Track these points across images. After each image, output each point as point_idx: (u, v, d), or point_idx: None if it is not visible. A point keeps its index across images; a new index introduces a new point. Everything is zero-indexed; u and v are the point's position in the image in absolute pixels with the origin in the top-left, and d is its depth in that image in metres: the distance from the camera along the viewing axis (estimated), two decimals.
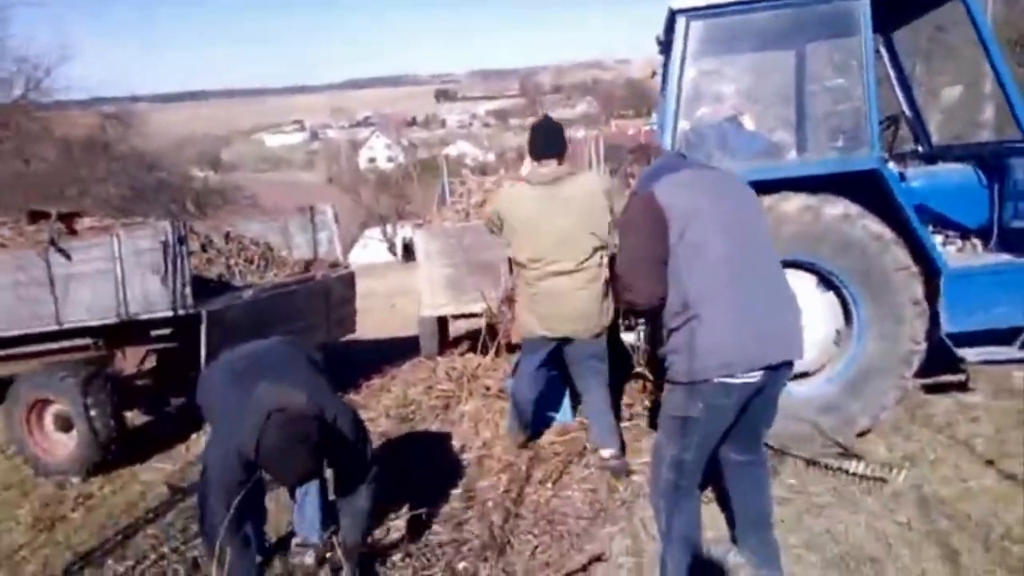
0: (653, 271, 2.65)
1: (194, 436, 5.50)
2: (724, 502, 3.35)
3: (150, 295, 4.97)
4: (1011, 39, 10.95)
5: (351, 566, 3.14)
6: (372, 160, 67.57)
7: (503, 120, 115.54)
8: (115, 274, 4.94)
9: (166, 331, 5.20)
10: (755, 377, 2.62)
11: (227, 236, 6.59)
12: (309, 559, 3.43)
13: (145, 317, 5.00)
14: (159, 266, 4.93)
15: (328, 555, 3.39)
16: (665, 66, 4.75)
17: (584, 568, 3.27)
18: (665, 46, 4.66)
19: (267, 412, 2.68)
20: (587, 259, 3.89)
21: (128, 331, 5.16)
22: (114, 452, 5.01)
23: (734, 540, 3.16)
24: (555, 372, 4.64)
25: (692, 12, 4.17)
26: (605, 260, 3.95)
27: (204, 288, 5.51)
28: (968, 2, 4.03)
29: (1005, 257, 4.29)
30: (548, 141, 4.00)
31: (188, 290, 4.98)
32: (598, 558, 3.33)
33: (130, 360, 5.39)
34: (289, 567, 3.46)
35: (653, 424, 4.74)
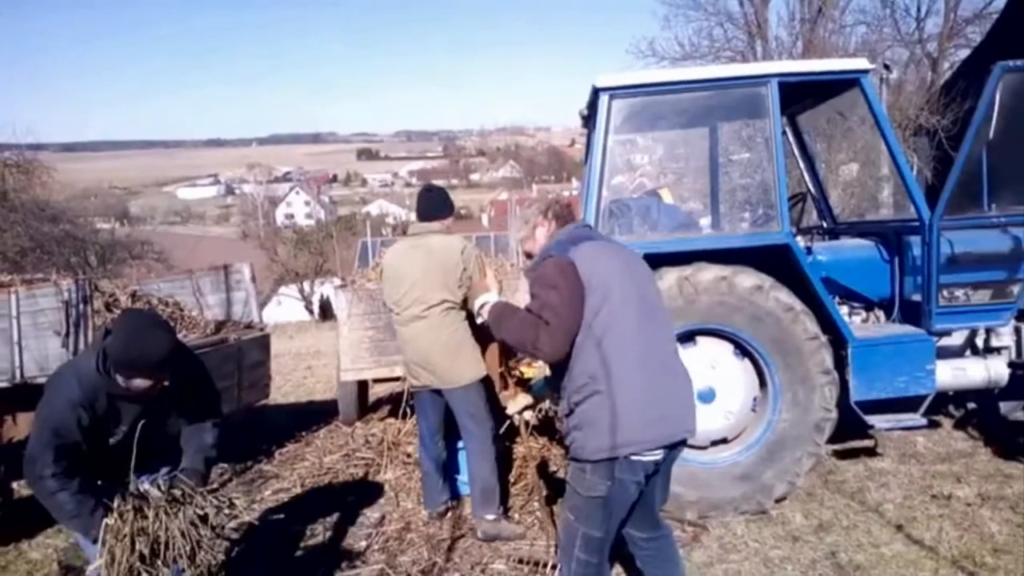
0: (570, 326, 2.60)
1: None
2: None
3: (49, 357, 4.64)
4: (901, 124, 11.86)
5: (191, 487, 2.81)
6: (290, 216, 66.62)
7: (426, 180, 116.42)
8: (11, 334, 4.62)
9: None
10: (659, 455, 2.64)
11: (134, 295, 6.26)
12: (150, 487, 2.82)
13: (42, 380, 4.66)
14: (60, 326, 4.64)
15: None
16: (588, 139, 4.91)
17: None
18: (588, 120, 4.82)
19: (105, 329, 2.61)
20: (433, 307, 4.15)
21: (22, 395, 4.80)
22: None
23: None
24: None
25: (615, 91, 4.34)
26: (456, 316, 4.21)
27: None
28: (867, 92, 4.34)
29: (907, 329, 4.54)
30: (428, 206, 4.41)
31: None
32: None
33: (22, 426, 4.99)
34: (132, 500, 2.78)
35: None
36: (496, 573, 3.85)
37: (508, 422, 3.92)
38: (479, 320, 3.03)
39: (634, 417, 2.57)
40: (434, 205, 4.44)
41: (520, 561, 3.91)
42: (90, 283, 5.04)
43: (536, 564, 3.83)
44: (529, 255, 3.03)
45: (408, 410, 5.67)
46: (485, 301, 2.95)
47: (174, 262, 26.58)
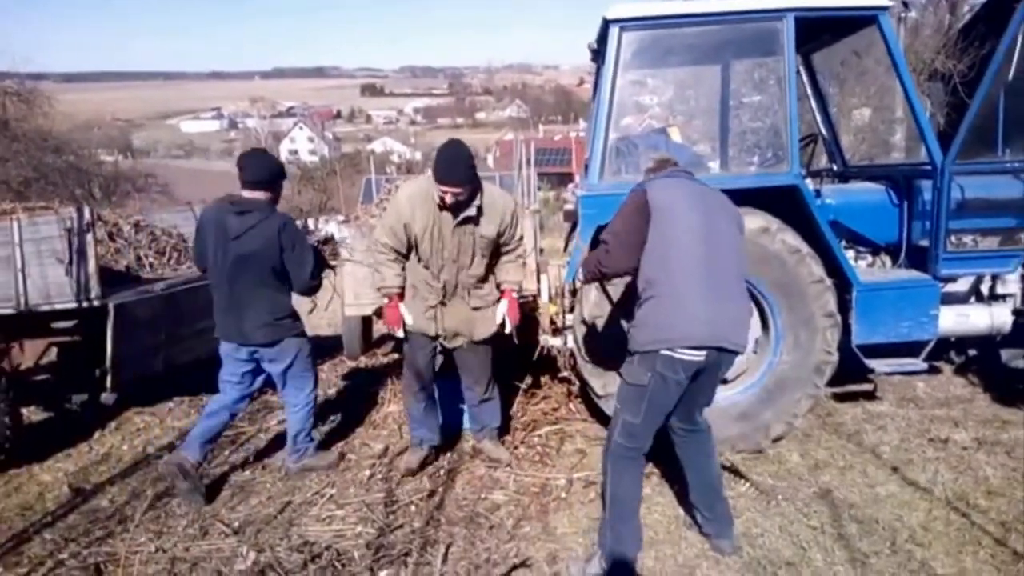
0: (627, 248, 3.11)
1: (97, 434, 5.21)
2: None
3: (52, 285, 4.66)
4: (916, 68, 11.58)
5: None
6: (294, 152, 65.98)
7: (431, 118, 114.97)
8: (14, 262, 4.62)
9: (69, 324, 4.89)
10: (699, 356, 2.96)
11: (137, 225, 6.25)
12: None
13: (46, 308, 4.69)
14: (63, 255, 4.63)
15: None
16: (597, 74, 4.80)
17: (508, 574, 3.25)
18: (598, 55, 4.71)
19: None
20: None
21: (27, 323, 4.83)
22: (10, 451, 4.69)
23: (689, 509, 3.55)
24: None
25: (625, 23, 4.22)
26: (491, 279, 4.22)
27: (111, 280, 5.22)
28: (885, 30, 4.22)
29: (913, 274, 4.52)
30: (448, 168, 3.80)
31: (94, 281, 4.69)
32: (522, 564, 3.32)
33: (28, 354, 5.05)
34: None
35: (577, 429, 4.79)
36: (495, 502, 3.93)
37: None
38: (579, 284, 4.01)
39: (679, 320, 2.96)
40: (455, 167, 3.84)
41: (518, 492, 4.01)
42: (92, 212, 5.01)
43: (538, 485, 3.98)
44: None
45: None
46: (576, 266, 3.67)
47: (178, 195, 26.41)
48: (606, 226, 3.30)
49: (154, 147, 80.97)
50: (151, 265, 5.96)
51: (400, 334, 4.19)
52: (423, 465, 4.36)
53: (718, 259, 3.05)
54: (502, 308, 4.17)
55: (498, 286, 4.22)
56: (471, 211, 3.89)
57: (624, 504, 3.13)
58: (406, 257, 4.10)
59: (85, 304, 4.70)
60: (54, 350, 5.28)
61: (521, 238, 4.21)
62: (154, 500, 4.10)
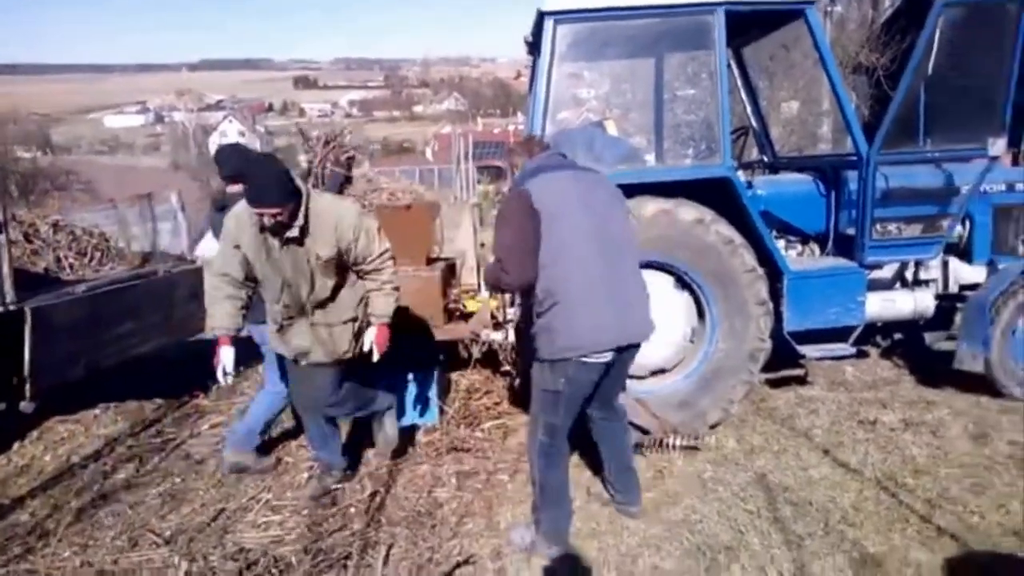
0: (525, 258, 2.99)
1: (17, 445, 4.94)
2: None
3: None
4: (842, 61, 11.93)
5: None
6: None
7: (367, 111, 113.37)
8: None
9: None
10: (607, 357, 3.08)
11: (55, 225, 5.96)
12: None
13: None
14: None
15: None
16: (533, 67, 4.78)
17: (451, 572, 3.22)
18: (533, 47, 4.69)
19: None
20: None
21: None
22: None
23: (603, 480, 3.75)
24: (414, 374, 4.76)
25: (560, 15, 4.22)
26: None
27: (28, 283, 4.95)
28: (812, 24, 4.32)
29: (840, 261, 4.66)
30: None
31: (8, 284, 4.44)
32: (465, 561, 3.29)
33: None
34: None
35: (520, 423, 4.78)
36: (437, 500, 3.89)
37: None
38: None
39: (584, 326, 3.00)
40: None
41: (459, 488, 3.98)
42: (6, 211, 4.75)
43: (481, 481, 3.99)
44: None
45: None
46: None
47: (102, 193, 25.41)
48: (494, 242, 3.13)
49: (76, 143, 77.57)
50: (71, 266, 5.69)
51: (222, 380, 3.76)
52: (328, 493, 4.00)
53: (612, 252, 3.10)
54: (369, 335, 3.74)
55: (368, 319, 3.78)
56: (293, 231, 3.44)
57: (555, 490, 3.29)
58: (251, 284, 3.70)
59: None
60: None
61: (384, 254, 3.64)
62: (78, 512, 3.91)
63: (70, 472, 4.50)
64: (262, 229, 3.46)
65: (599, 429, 3.54)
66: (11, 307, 4.47)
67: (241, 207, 3.50)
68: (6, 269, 4.46)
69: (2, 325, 4.57)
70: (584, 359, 3.04)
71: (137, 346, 5.22)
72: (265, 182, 3.31)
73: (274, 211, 3.33)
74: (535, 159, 3.25)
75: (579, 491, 3.75)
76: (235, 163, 4.11)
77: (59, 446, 4.94)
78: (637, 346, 3.24)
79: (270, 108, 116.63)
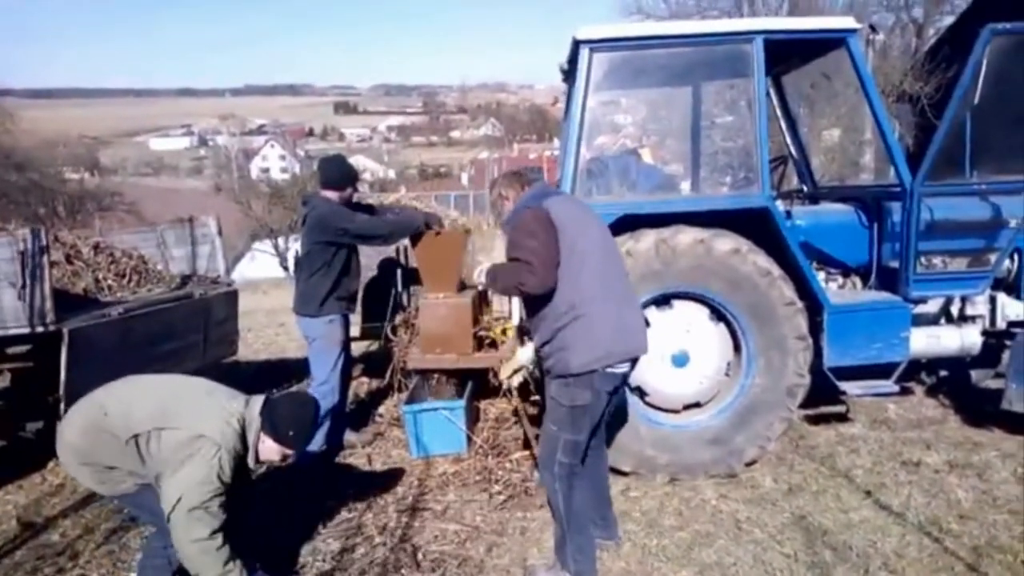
0: (550, 266, 3.04)
1: (51, 464, 5.00)
2: None
3: (5, 309, 4.48)
4: (884, 90, 11.78)
5: None
6: (265, 170, 65.31)
7: (405, 136, 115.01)
8: None
9: (22, 349, 4.71)
10: (626, 367, 3.17)
11: (96, 247, 6.07)
12: None
13: None
14: (15, 278, 4.47)
15: None
16: (568, 95, 4.77)
17: None
18: (568, 75, 4.68)
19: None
20: None
21: None
22: None
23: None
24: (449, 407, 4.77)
25: (595, 44, 4.20)
26: None
27: (67, 303, 5.03)
28: (853, 52, 4.24)
29: (883, 295, 4.52)
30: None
31: (48, 305, 4.53)
32: None
33: None
34: None
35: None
36: (467, 530, 3.82)
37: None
38: (480, 287, 3.47)
39: (608, 336, 3.06)
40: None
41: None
42: (48, 233, 4.85)
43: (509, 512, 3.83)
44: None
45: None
46: (480, 269, 3.38)
47: (145, 214, 26.04)
48: (514, 247, 3.14)
49: (122, 165, 79.78)
50: (110, 288, 5.77)
51: None
52: None
53: (616, 270, 3.24)
54: None
55: None
56: None
57: (580, 516, 3.24)
58: None
59: (39, 329, 4.53)
60: (7, 376, 5.07)
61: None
62: (108, 534, 3.93)
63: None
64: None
65: (588, 460, 3.40)
66: (50, 327, 4.55)
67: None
68: (47, 290, 4.55)
69: (41, 345, 4.65)
70: (609, 369, 3.08)
71: (172, 367, 5.25)
72: None
73: None
74: (531, 188, 3.31)
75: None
76: None
77: None
78: (637, 360, 3.29)
79: (311, 133, 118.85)
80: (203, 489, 2.79)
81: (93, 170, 49.02)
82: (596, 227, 3.24)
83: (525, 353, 3.74)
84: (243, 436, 2.94)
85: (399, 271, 5.73)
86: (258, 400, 3.02)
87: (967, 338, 4.65)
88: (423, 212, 5.14)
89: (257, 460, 3.02)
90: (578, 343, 3.04)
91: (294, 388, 6.61)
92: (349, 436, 5.04)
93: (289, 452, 3.05)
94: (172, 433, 2.85)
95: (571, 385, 3.10)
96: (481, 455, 4.73)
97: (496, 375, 4.66)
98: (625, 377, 3.23)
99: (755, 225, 4.20)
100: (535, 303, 3.17)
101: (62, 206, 25.99)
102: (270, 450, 3.00)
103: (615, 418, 4.15)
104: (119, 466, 2.93)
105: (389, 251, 5.78)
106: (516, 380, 3.98)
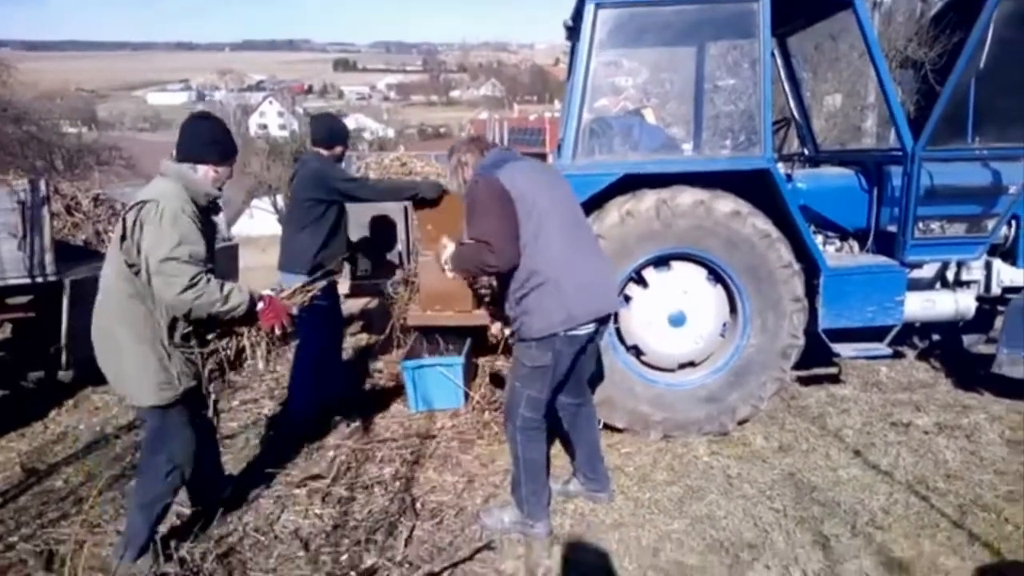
0: (510, 242, 3.05)
1: (53, 413, 5.08)
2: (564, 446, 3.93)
3: (5, 260, 4.52)
4: (888, 55, 11.66)
5: None
6: (264, 127, 64.73)
7: (404, 95, 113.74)
8: None
9: (23, 300, 4.75)
10: (591, 328, 3.20)
11: (96, 199, 6.08)
12: None
13: None
14: (16, 228, 4.49)
15: None
16: (572, 53, 4.73)
17: (471, 556, 3.23)
18: (573, 32, 4.64)
19: None
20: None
21: None
22: None
23: (574, 472, 3.75)
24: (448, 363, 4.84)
25: (601, 0, 4.15)
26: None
27: (68, 254, 5.07)
28: (860, 14, 4.20)
29: (880, 259, 4.55)
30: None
31: (49, 256, 4.56)
32: (487, 546, 3.30)
33: None
34: None
35: None
36: (464, 482, 3.90)
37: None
38: (449, 275, 3.42)
39: (569, 300, 3.09)
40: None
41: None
42: (48, 184, 4.85)
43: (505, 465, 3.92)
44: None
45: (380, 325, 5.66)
46: (445, 256, 3.36)
47: (143, 169, 25.81)
48: (473, 224, 3.12)
49: (119, 119, 79.02)
50: (110, 240, 5.79)
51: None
52: None
53: (581, 229, 3.30)
54: None
55: None
56: None
57: (536, 466, 3.37)
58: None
59: (40, 279, 4.56)
60: (8, 327, 5.13)
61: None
62: (111, 481, 4.01)
63: (104, 441, 4.61)
64: None
65: (571, 416, 3.59)
66: (51, 278, 4.58)
67: None
68: (48, 241, 4.57)
69: (42, 296, 4.69)
70: (571, 332, 3.13)
71: None
72: None
73: None
74: (489, 155, 3.29)
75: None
76: None
77: (93, 416, 5.07)
78: (610, 318, 3.38)
79: (310, 90, 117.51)
80: (166, 241, 2.85)
81: (91, 124, 48.56)
82: (556, 189, 3.25)
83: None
84: (182, 187, 3.02)
85: (402, 228, 5.74)
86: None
87: (961, 303, 4.70)
88: (420, 182, 5.05)
89: (206, 196, 3.10)
90: (539, 308, 3.11)
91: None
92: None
93: (218, 169, 3.14)
94: (126, 223, 2.94)
95: (532, 347, 3.18)
96: (479, 410, 4.81)
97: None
98: (592, 336, 3.27)
99: (756, 187, 4.21)
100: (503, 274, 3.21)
101: (60, 159, 25.73)
102: (205, 177, 3.11)
103: (610, 375, 4.23)
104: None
105: (382, 209, 5.71)
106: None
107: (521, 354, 3.26)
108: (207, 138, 3.16)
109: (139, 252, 2.89)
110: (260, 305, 3.13)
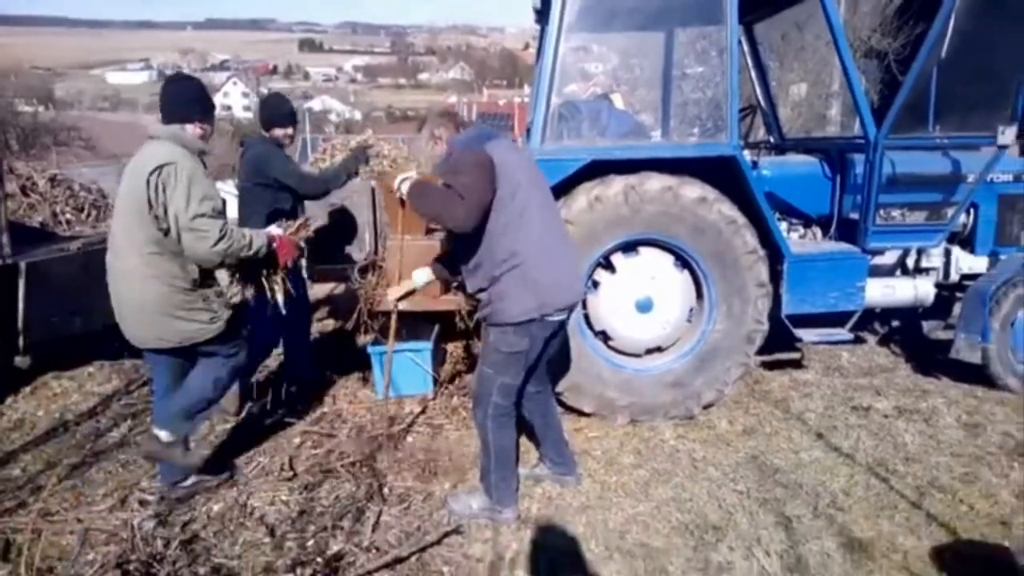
0: (480, 205, 2.99)
1: (10, 399, 4.94)
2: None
3: None
4: (853, 45, 11.80)
5: None
6: (227, 108, 63.72)
7: (372, 77, 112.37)
8: None
9: None
10: (564, 315, 3.22)
11: (53, 179, 5.91)
12: None
13: None
14: None
15: None
16: (541, 36, 4.70)
17: (439, 541, 3.23)
18: (542, 15, 4.61)
19: None
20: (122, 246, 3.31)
21: None
22: None
23: (540, 457, 3.78)
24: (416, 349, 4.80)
25: None
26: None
27: (24, 237, 4.93)
28: (826, 2, 4.23)
29: (842, 246, 4.63)
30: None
31: (4, 238, 4.43)
32: (455, 531, 3.30)
33: None
34: None
35: None
36: (433, 467, 3.90)
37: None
38: (397, 194, 3.34)
39: (547, 286, 3.10)
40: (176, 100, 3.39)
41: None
42: (3, 164, 4.70)
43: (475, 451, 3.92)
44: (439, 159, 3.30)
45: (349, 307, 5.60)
46: (405, 177, 3.31)
47: (103, 150, 25.25)
48: (450, 177, 3.07)
49: (78, 98, 76.93)
50: (68, 222, 5.65)
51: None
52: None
53: (555, 219, 3.32)
54: None
55: None
56: None
57: (507, 452, 3.38)
58: None
59: None
60: None
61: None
62: (70, 469, 3.92)
63: (63, 428, 4.50)
64: None
65: (534, 404, 3.58)
66: (7, 260, 4.45)
67: None
68: (2, 222, 4.44)
69: None
70: (548, 317, 3.14)
71: None
72: None
73: None
74: (469, 130, 3.29)
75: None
76: None
77: (52, 402, 4.95)
78: (576, 305, 3.40)
79: (274, 70, 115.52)
80: (193, 199, 3.09)
81: (48, 103, 47.20)
82: (537, 175, 3.25)
83: (420, 275, 3.90)
84: (181, 146, 3.22)
85: (368, 212, 5.67)
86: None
87: (920, 289, 4.80)
88: (345, 162, 4.91)
89: (199, 152, 3.31)
90: (517, 292, 3.07)
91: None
92: None
93: (204, 126, 3.38)
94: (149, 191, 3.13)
95: (508, 333, 3.15)
96: (447, 396, 4.80)
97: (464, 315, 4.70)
98: (563, 324, 3.29)
99: (722, 174, 4.24)
100: (470, 248, 3.15)
101: (15, 139, 25.04)
102: (194, 134, 3.34)
103: (577, 361, 4.25)
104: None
105: (338, 199, 5.61)
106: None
107: (496, 340, 3.20)
108: (189, 96, 3.38)
109: (165, 213, 3.11)
110: (274, 244, 3.48)
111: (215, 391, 3.50)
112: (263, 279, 3.58)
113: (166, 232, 3.14)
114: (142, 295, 3.22)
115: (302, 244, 3.75)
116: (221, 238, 3.14)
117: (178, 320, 3.26)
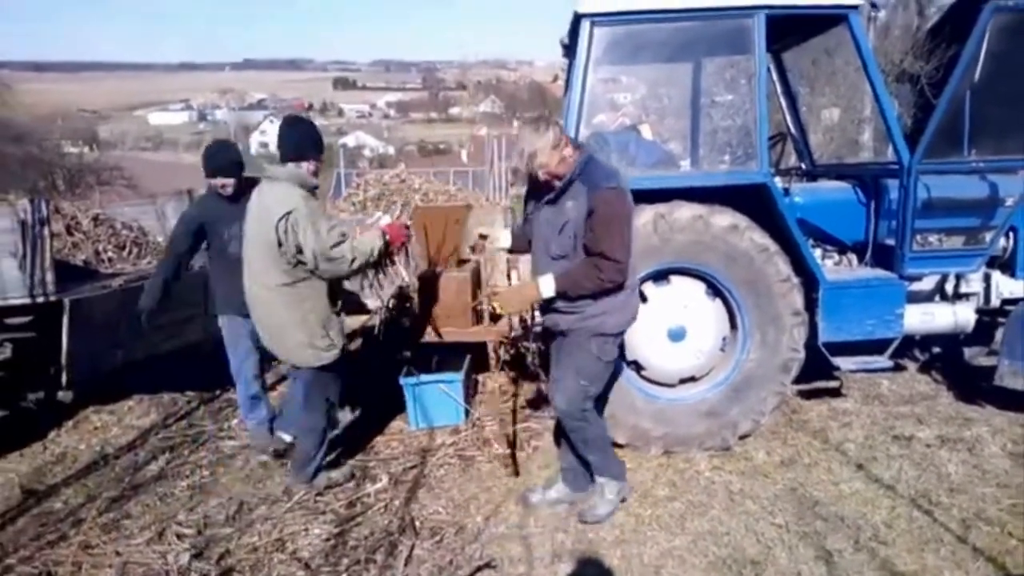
0: (627, 260, 3.27)
1: (53, 433, 5.06)
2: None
3: (5, 279, 4.52)
4: (885, 69, 11.74)
5: None
6: (265, 145, 65.06)
7: (404, 112, 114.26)
8: None
9: (23, 320, 4.74)
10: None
11: (96, 219, 6.09)
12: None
13: None
14: (16, 248, 4.49)
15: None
16: (569, 70, 4.76)
17: (472, 575, 3.20)
18: (569, 50, 4.66)
19: None
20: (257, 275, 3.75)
21: None
22: None
23: (561, 474, 3.87)
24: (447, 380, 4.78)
25: (596, 17, 4.18)
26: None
27: (68, 274, 5.07)
28: (854, 29, 4.22)
29: (879, 272, 4.55)
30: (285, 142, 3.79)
31: (49, 276, 4.56)
32: (487, 565, 3.27)
33: None
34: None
35: (545, 425, 4.75)
36: (465, 500, 3.88)
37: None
38: (538, 302, 3.48)
39: (633, 304, 3.50)
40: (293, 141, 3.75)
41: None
42: (48, 204, 4.86)
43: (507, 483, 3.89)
44: (553, 176, 3.32)
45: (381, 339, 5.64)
46: (543, 287, 3.33)
47: (145, 188, 25.93)
48: (607, 240, 3.18)
49: (121, 139, 79.34)
50: (110, 260, 5.81)
51: None
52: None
53: None
54: None
55: None
56: None
57: (605, 436, 3.75)
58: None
59: (39, 299, 4.56)
60: (8, 347, 5.11)
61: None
62: (109, 502, 3.99)
63: (103, 462, 4.60)
64: None
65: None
66: (51, 298, 4.58)
67: None
68: (48, 260, 4.58)
69: (42, 315, 4.69)
70: (623, 333, 3.54)
71: (173, 339, 5.30)
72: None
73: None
74: (597, 157, 3.42)
75: None
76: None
77: (93, 436, 5.05)
78: None
79: (310, 108, 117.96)
80: (323, 234, 3.54)
81: (92, 144, 48.77)
82: None
83: (546, 286, 3.52)
84: (297, 185, 3.64)
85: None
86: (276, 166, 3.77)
87: (961, 315, 4.69)
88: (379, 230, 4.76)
89: (312, 187, 3.77)
90: (623, 307, 3.39)
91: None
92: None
93: (317, 164, 3.80)
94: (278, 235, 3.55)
95: (610, 342, 3.43)
96: (479, 427, 4.79)
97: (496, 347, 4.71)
98: None
99: (753, 202, 4.22)
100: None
101: (61, 179, 25.89)
102: (309, 171, 3.76)
103: (611, 391, 4.21)
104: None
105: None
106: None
107: (599, 350, 3.42)
108: (306, 138, 3.78)
109: (298, 251, 3.55)
110: (387, 236, 3.87)
111: (313, 442, 4.01)
112: (384, 266, 4.07)
113: (295, 264, 3.60)
114: (274, 319, 3.74)
115: (408, 224, 4.27)
116: (354, 258, 3.63)
117: (297, 346, 3.75)
